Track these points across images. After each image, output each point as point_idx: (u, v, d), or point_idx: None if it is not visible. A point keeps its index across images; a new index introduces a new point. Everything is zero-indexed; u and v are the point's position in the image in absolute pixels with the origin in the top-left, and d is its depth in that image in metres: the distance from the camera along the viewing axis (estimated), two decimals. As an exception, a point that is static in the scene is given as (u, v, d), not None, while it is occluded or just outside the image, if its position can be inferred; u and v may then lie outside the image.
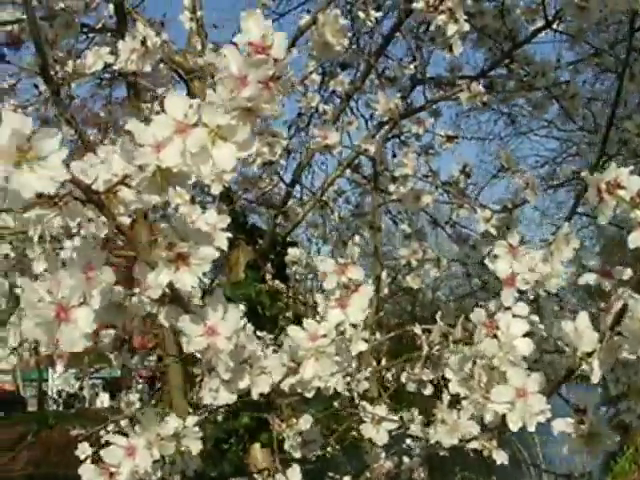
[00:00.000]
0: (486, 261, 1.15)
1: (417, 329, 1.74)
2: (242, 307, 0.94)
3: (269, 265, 2.76)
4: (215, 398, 0.95)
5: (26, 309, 0.66)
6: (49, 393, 15.56)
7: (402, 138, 2.74)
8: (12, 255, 1.27)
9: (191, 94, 2.81)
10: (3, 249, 1.28)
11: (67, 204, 0.69)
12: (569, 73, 3.01)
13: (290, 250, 2.66)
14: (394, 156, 2.83)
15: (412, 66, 2.43)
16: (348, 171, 2.90)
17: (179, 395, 2.29)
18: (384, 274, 2.42)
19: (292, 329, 1.02)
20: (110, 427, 2.63)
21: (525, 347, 1.11)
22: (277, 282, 2.55)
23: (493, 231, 1.90)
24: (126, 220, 0.78)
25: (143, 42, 1.76)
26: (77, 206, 0.76)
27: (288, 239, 2.76)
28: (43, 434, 9.78)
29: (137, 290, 0.89)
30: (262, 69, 0.67)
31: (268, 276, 2.60)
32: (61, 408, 14.70)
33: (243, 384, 0.95)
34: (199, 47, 2.65)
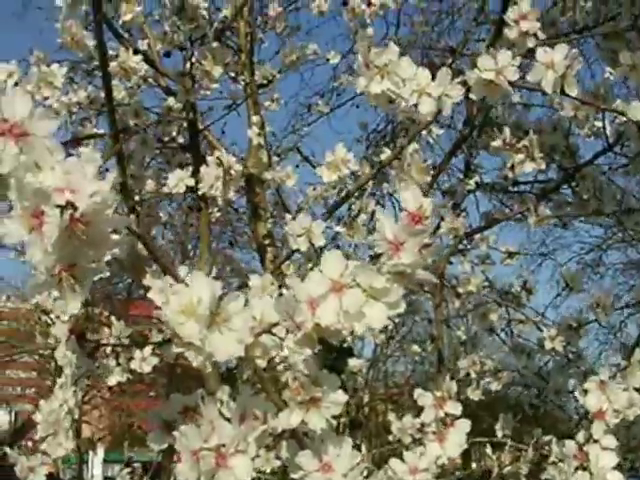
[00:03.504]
0: (576, 393, 1.18)
1: (488, 449, 1.76)
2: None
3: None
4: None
5: (184, 453, 0.71)
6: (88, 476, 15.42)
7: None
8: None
9: (252, 202, 2.92)
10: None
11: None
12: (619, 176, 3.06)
13: (351, 361, 2.68)
14: (450, 263, 2.89)
15: (472, 181, 2.51)
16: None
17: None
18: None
19: (393, 462, 1.06)
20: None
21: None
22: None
23: (560, 349, 1.92)
24: (262, 363, 0.84)
25: (227, 170, 1.84)
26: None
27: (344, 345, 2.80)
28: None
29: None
30: (419, 237, 0.73)
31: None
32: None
33: (349, 515, 0.99)
34: (265, 159, 2.77)
